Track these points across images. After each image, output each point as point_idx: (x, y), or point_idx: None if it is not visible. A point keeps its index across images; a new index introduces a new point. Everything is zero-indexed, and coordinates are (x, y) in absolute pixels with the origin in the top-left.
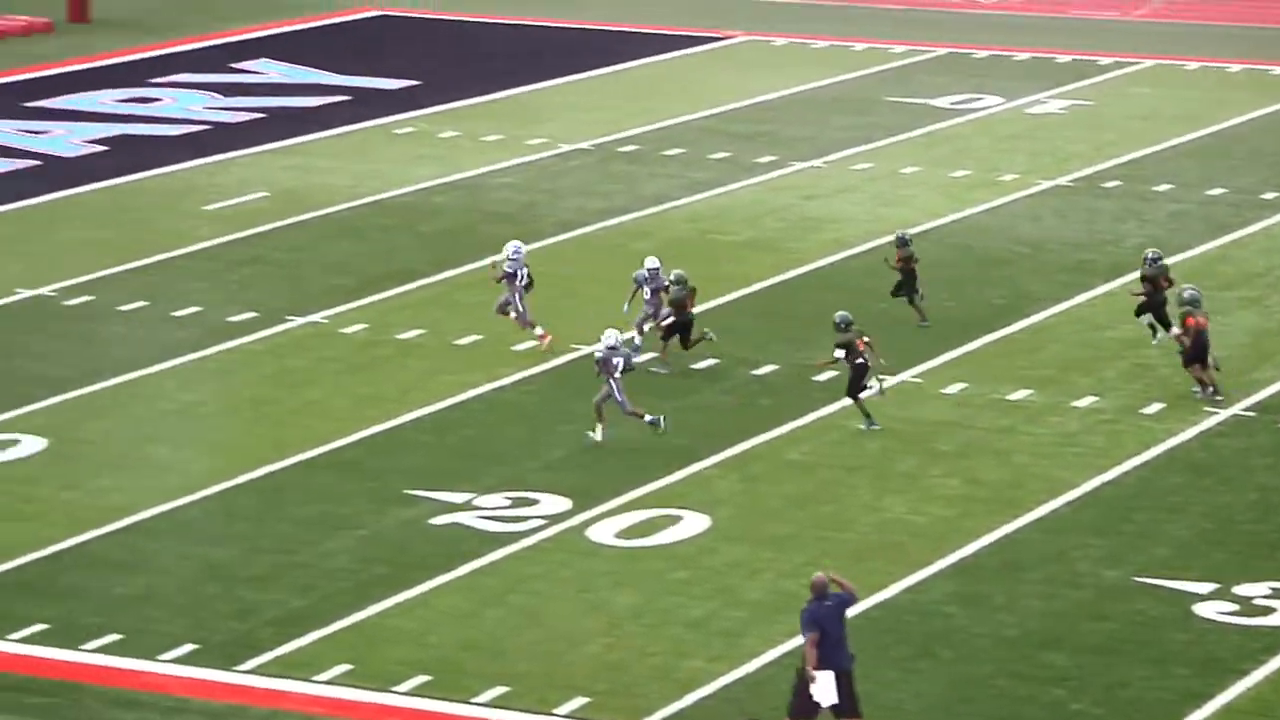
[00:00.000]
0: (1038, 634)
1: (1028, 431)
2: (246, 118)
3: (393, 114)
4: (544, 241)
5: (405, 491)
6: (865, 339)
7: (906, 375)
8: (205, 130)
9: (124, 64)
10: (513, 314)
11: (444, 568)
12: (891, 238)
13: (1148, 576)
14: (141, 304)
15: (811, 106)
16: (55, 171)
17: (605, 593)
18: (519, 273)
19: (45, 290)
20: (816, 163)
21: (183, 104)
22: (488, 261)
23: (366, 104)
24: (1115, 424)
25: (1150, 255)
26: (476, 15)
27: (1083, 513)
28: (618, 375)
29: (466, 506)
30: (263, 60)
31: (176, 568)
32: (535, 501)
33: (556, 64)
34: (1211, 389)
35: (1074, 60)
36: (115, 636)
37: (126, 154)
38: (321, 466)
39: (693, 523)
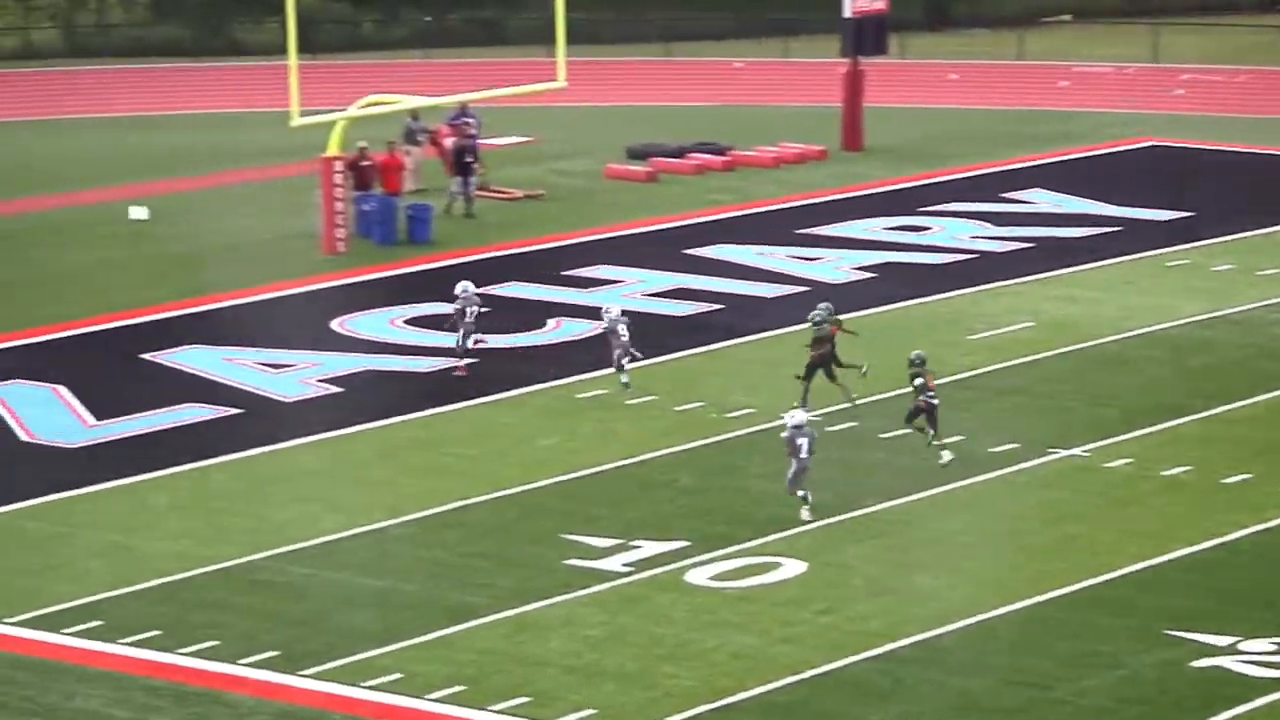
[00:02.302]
0: None
1: None
2: (1015, 247)
3: (1165, 246)
4: None
5: (1167, 631)
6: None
7: None
8: (973, 259)
9: (895, 192)
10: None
11: (1203, 711)
12: None
13: None
14: (905, 431)
15: None
16: (821, 299)
17: None
18: (467, 309)
19: (813, 415)
20: None
21: (951, 232)
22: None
23: (1139, 235)
24: None
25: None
26: (1253, 146)
27: None
28: (803, 455)
29: (1230, 650)
30: (1035, 190)
31: (932, 696)
32: None
33: None
34: None
35: None
36: None
37: (893, 281)
38: (1082, 602)
39: None
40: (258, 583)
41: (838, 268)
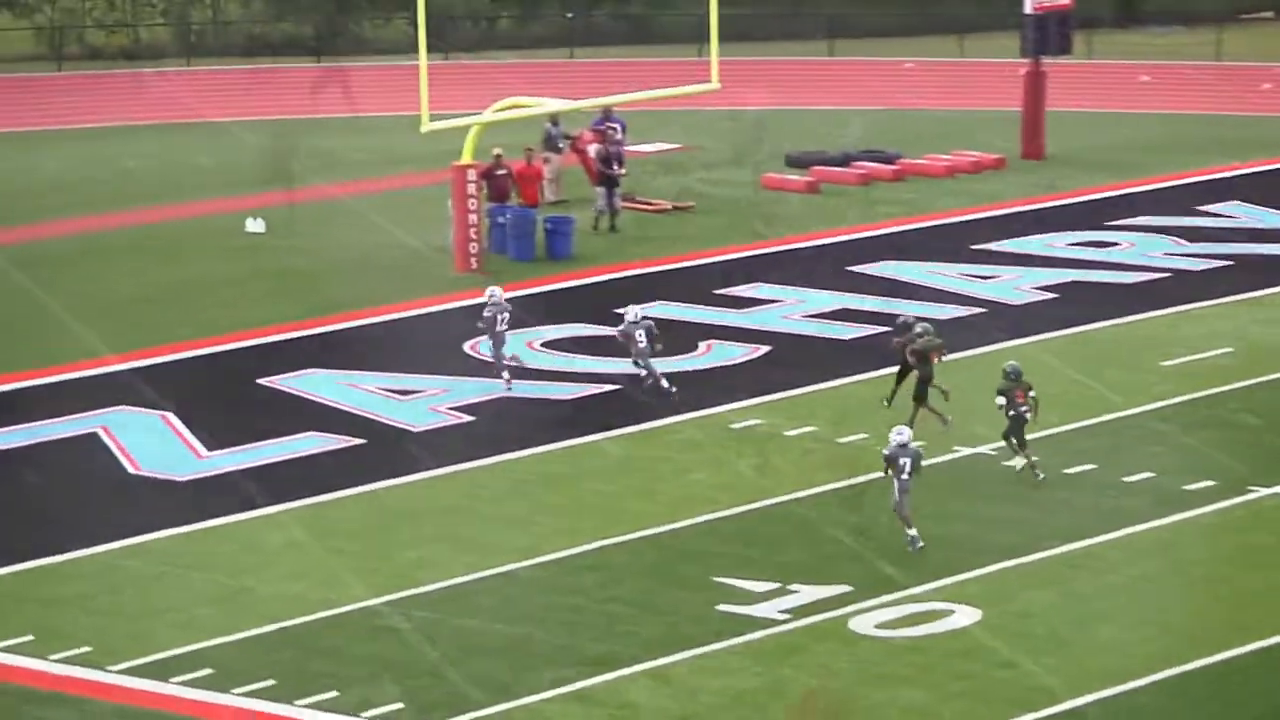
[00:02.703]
0: None
1: None
2: (1212, 265)
3: None
4: None
5: None
6: (1030, 391)
7: None
8: (1166, 278)
9: (1080, 205)
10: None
11: None
12: None
13: None
14: (1089, 467)
15: None
16: (1000, 319)
17: None
18: (498, 317)
19: (984, 449)
20: None
21: (1142, 249)
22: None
23: None
24: None
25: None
26: None
27: None
28: (904, 476)
29: None
30: (1233, 203)
31: None
32: None
33: None
34: None
35: None
36: None
37: (1078, 302)
38: None
39: None
40: (380, 629)
41: (1017, 287)
